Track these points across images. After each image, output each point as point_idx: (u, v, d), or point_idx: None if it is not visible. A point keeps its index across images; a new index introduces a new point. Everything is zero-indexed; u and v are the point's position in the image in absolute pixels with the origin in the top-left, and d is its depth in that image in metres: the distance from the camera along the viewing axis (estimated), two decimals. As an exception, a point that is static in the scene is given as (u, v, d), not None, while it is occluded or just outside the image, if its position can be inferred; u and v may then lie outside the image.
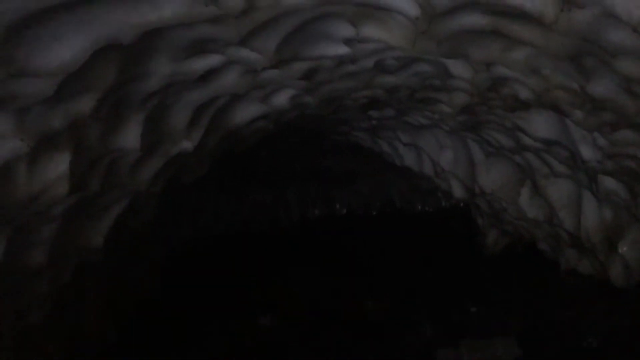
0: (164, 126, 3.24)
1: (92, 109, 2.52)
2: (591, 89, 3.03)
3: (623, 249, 4.79)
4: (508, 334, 4.34)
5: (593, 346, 4.17)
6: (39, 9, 1.97)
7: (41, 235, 2.88)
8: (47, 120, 2.41)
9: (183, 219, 6.99)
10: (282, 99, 3.72)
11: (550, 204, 5.16)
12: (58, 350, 3.53)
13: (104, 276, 4.06)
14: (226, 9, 2.33)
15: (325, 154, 8.00)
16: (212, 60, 2.86)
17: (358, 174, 8.44)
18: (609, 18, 2.23)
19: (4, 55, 2.03)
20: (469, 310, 4.98)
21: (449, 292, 5.41)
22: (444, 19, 2.65)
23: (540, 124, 4.29)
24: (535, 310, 4.86)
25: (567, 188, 4.98)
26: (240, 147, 4.65)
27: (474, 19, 2.66)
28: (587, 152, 4.17)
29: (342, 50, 3.09)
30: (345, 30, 2.89)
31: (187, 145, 3.44)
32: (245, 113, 3.75)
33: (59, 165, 2.62)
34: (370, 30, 2.86)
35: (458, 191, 5.99)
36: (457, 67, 3.48)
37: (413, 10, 2.58)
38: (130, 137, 2.97)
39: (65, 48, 2.17)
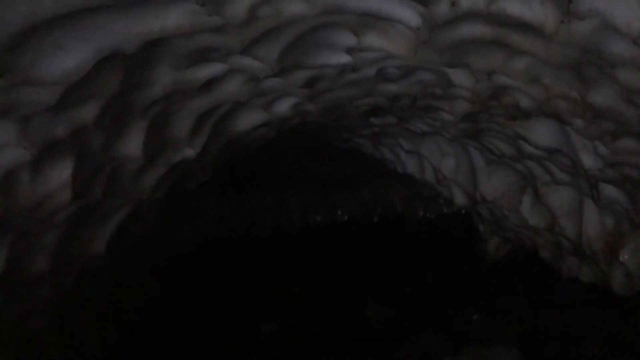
0: (166, 134, 3.25)
1: (95, 117, 2.54)
2: (591, 98, 3.04)
3: (624, 257, 4.78)
4: (509, 342, 4.34)
5: (594, 354, 4.17)
6: (43, 19, 1.99)
7: (44, 242, 2.89)
8: (50, 128, 2.42)
9: (184, 225, 6.99)
10: (284, 106, 3.73)
11: (551, 211, 5.17)
12: (60, 356, 3.53)
13: (106, 282, 4.06)
14: (229, 18, 2.36)
15: (326, 160, 8.01)
16: (214, 68, 2.88)
17: (360, 181, 8.44)
18: (609, 30, 2.24)
19: (7, 64, 2.05)
20: (470, 317, 4.98)
21: (451, 300, 5.41)
22: (445, 29, 2.67)
23: (542, 132, 4.30)
24: (537, 317, 4.86)
25: (568, 196, 4.99)
26: (242, 154, 4.66)
27: (475, 29, 2.68)
28: (588, 160, 4.18)
29: (344, 59, 3.11)
30: (347, 39, 2.92)
31: (190, 152, 3.45)
32: (248, 120, 3.77)
33: (61, 173, 2.63)
34: (372, 40, 2.88)
35: (459, 198, 5.99)
36: (458, 76, 3.50)
37: (414, 20, 2.60)
38: (133, 144, 2.99)
39: (68, 57, 2.19)
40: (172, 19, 2.26)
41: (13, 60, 2.05)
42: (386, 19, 2.65)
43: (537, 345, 4.36)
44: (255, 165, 7.20)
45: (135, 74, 2.59)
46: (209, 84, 3.01)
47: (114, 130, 2.85)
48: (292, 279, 6.23)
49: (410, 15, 2.58)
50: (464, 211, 7.14)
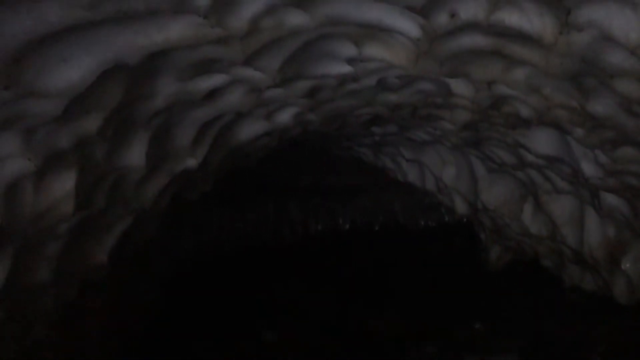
0: (168, 144, 3.28)
1: (98, 128, 2.56)
2: (591, 107, 3.06)
3: (626, 265, 4.78)
4: (511, 351, 4.33)
5: (597, 363, 4.17)
6: (47, 32, 2.02)
7: (46, 253, 2.90)
8: (54, 139, 2.45)
9: (186, 234, 7.00)
10: (285, 116, 3.76)
11: (552, 220, 5.17)
12: (62, 366, 3.53)
13: (108, 292, 4.07)
14: (231, 30, 2.38)
15: (328, 169, 8.02)
16: (216, 79, 2.91)
17: (361, 190, 8.45)
18: (607, 41, 2.27)
19: (12, 77, 2.07)
20: (472, 326, 4.97)
21: (452, 308, 5.39)
22: (445, 40, 2.70)
23: (542, 141, 4.32)
24: (539, 326, 4.85)
25: (569, 204, 4.99)
26: (244, 164, 4.69)
27: (474, 40, 2.71)
28: (588, 169, 4.19)
29: (345, 69, 3.14)
30: (348, 50, 2.94)
31: (192, 162, 3.47)
32: (249, 130, 3.79)
33: (65, 184, 2.65)
34: (373, 50, 2.91)
35: (461, 207, 6.00)
36: (458, 86, 3.52)
37: (414, 32, 2.63)
38: (136, 155, 3.01)
39: (72, 69, 2.22)
40: (174, 31, 2.29)
41: (18, 72, 2.07)
42: (387, 30, 2.68)
43: (538, 354, 4.35)
44: (257, 174, 7.20)
45: (138, 86, 2.62)
46: (211, 94, 3.03)
47: (117, 141, 2.87)
48: (293, 287, 6.22)
49: (410, 27, 2.60)
50: (465, 220, 7.14)
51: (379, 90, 3.65)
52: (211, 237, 7.66)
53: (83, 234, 3.10)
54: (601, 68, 2.51)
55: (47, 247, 2.89)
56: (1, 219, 2.43)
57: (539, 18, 2.32)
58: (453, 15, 2.46)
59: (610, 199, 4.42)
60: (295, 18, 2.47)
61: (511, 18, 2.40)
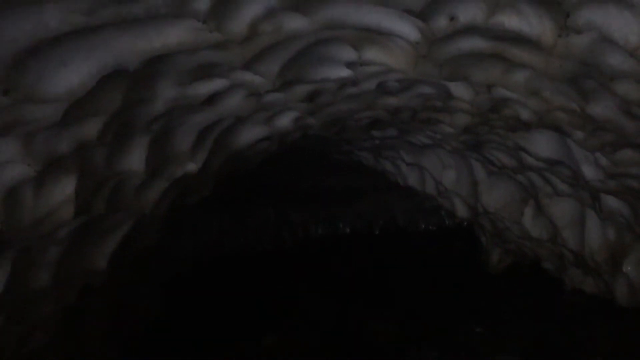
0: (168, 149, 3.28)
1: (98, 133, 2.56)
2: (591, 110, 3.06)
3: (627, 268, 4.78)
4: (512, 354, 4.32)
5: (598, 366, 4.15)
6: (47, 37, 2.02)
7: (46, 258, 2.90)
8: (54, 144, 2.45)
9: (187, 239, 7.00)
10: (285, 120, 3.76)
11: (553, 223, 5.17)
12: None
13: (108, 297, 4.06)
14: (230, 35, 2.38)
15: (328, 173, 8.02)
16: (216, 84, 2.91)
17: (361, 193, 8.45)
18: (606, 43, 2.27)
19: (11, 82, 2.07)
20: (473, 330, 4.96)
21: (453, 312, 5.38)
22: (444, 43, 2.70)
23: (542, 144, 4.32)
24: (540, 329, 4.84)
25: (570, 207, 4.99)
26: (244, 168, 4.68)
27: (473, 43, 2.71)
28: (589, 172, 4.19)
29: (345, 73, 3.14)
30: (348, 53, 2.94)
31: (192, 167, 3.47)
32: (249, 135, 3.79)
33: (64, 189, 2.65)
34: (372, 54, 2.91)
35: (461, 210, 6.00)
36: (458, 89, 3.52)
37: (413, 35, 2.63)
38: (136, 159, 3.01)
39: (72, 74, 2.22)
40: (174, 36, 2.29)
41: (17, 78, 2.08)
42: (386, 34, 2.68)
43: (540, 357, 4.34)
44: (257, 179, 7.21)
45: (137, 90, 2.62)
46: (211, 99, 3.03)
47: (117, 146, 2.87)
48: (294, 290, 6.22)
49: (409, 30, 2.60)
50: (465, 223, 7.14)
51: (379, 94, 3.65)
52: (211, 240, 7.65)
53: (83, 238, 3.10)
54: (600, 70, 2.51)
55: (47, 252, 2.89)
56: (1, 224, 2.43)
57: (538, 21, 2.32)
58: (452, 19, 2.46)
59: (610, 202, 4.42)
60: (294, 22, 2.47)
61: (510, 21, 2.40)
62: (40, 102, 2.19)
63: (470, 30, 2.54)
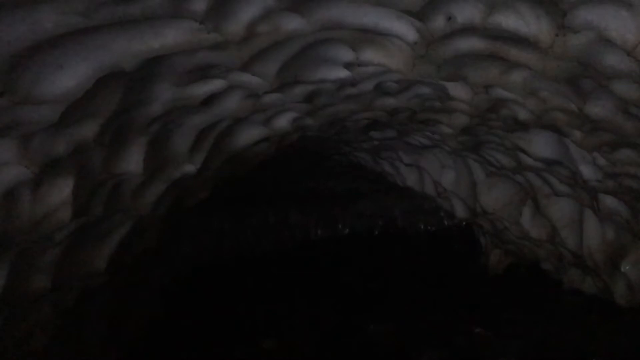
0: (166, 150, 3.27)
1: (95, 134, 2.56)
2: (589, 110, 3.06)
3: (626, 268, 4.78)
4: (512, 355, 4.31)
5: (598, 367, 4.15)
6: (43, 38, 2.01)
7: (44, 260, 2.89)
8: (51, 146, 2.44)
9: (186, 242, 6.99)
10: (283, 121, 3.75)
11: (552, 223, 5.17)
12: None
13: (107, 300, 4.05)
14: (228, 35, 2.38)
15: (327, 174, 8.02)
16: (214, 85, 2.91)
17: (360, 195, 8.45)
18: (604, 43, 2.27)
19: (8, 84, 2.07)
20: (472, 331, 4.95)
21: (453, 313, 5.38)
22: (442, 44, 2.70)
23: (540, 144, 4.32)
24: (539, 330, 4.83)
25: (568, 207, 4.99)
26: (243, 170, 4.67)
27: (471, 43, 2.71)
28: (587, 172, 4.19)
29: (343, 73, 3.14)
30: (346, 54, 2.94)
31: (190, 168, 3.46)
32: (247, 136, 3.79)
33: (62, 191, 2.64)
34: (370, 55, 2.91)
35: (460, 211, 6.00)
36: (456, 89, 3.52)
37: (411, 36, 2.63)
38: (133, 161, 3.00)
39: (69, 76, 2.21)
40: (171, 37, 2.29)
41: (14, 79, 2.07)
42: (384, 34, 2.68)
43: (539, 358, 4.33)
44: (256, 181, 7.21)
45: (135, 91, 2.61)
46: (209, 100, 3.03)
47: (115, 148, 2.86)
48: (293, 293, 6.21)
49: (407, 30, 2.61)
50: (464, 224, 7.14)
51: (377, 94, 3.65)
52: (211, 243, 7.65)
53: (81, 241, 3.09)
54: (598, 70, 2.51)
55: (45, 255, 2.88)
56: (-1, 226, 2.43)
57: (535, 20, 2.32)
58: (449, 19, 2.46)
59: (609, 202, 4.41)
60: (292, 23, 2.47)
61: (507, 21, 2.40)
62: (37, 104, 2.18)
63: (467, 30, 2.54)
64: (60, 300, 3.18)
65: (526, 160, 4.58)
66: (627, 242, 4.71)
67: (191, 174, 3.49)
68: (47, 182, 2.58)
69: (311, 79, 3.17)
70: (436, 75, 3.11)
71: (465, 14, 2.45)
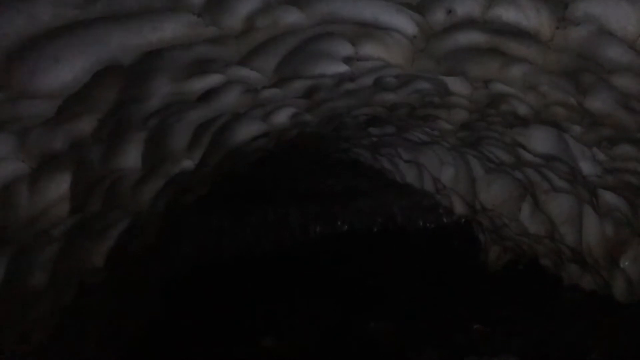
0: (165, 146, 3.25)
1: (93, 129, 2.54)
2: (589, 104, 3.05)
3: (625, 263, 4.77)
4: (511, 352, 4.31)
5: (597, 362, 4.15)
6: (40, 32, 2.00)
7: (42, 256, 2.87)
8: (48, 141, 2.42)
9: (185, 240, 6.98)
10: (282, 117, 3.74)
11: (551, 219, 5.16)
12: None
13: (106, 297, 4.04)
14: (226, 29, 2.37)
15: (326, 171, 8.01)
16: (212, 80, 2.89)
17: (359, 192, 8.43)
18: (605, 35, 2.25)
19: (5, 78, 2.05)
20: (472, 327, 4.95)
21: (452, 310, 5.37)
22: (442, 38, 2.68)
23: (540, 140, 4.30)
24: (538, 326, 4.83)
25: (567, 203, 4.98)
26: (241, 166, 4.66)
27: (471, 37, 2.69)
28: (586, 167, 4.18)
29: (342, 68, 3.12)
30: (345, 49, 2.93)
31: (189, 164, 3.45)
32: (246, 132, 3.77)
33: (60, 186, 2.63)
34: (369, 49, 2.89)
35: (459, 207, 5.99)
36: (455, 84, 3.51)
37: (410, 29, 2.61)
38: (131, 157, 2.99)
39: (66, 70, 2.20)
40: (169, 30, 2.27)
41: (10, 73, 2.05)
42: (383, 28, 2.66)
43: (538, 354, 4.33)
44: (255, 179, 7.20)
45: (133, 86, 2.59)
46: (207, 95, 3.01)
47: (112, 143, 2.84)
48: (292, 291, 6.20)
49: (406, 24, 2.59)
50: (463, 220, 7.13)
51: (376, 90, 3.63)
52: (210, 241, 7.63)
53: (79, 237, 3.07)
54: (599, 63, 2.50)
55: (43, 251, 2.86)
56: (-4, 222, 2.42)
57: (536, 13, 2.31)
58: (449, 12, 2.45)
59: (608, 197, 4.41)
60: (291, 16, 2.46)
61: (508, 14, 2.39)
62: (33, 98, 2.17)
63: (467, 23, 2.53)
64: (59, 296, 3.17)
65: (525, 156, 4.57)
66: (626, 238, 4.71)
67: (190, 169, 3.47)
68: (45, 178, 2.56)
69: (310, 74, 3.16)
70: (435, 70, 3.10)
71: (465, 7, 2.44)
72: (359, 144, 6.16)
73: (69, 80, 2.20)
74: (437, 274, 6.56)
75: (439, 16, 2.50)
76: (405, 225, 8.42)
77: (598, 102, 3.00)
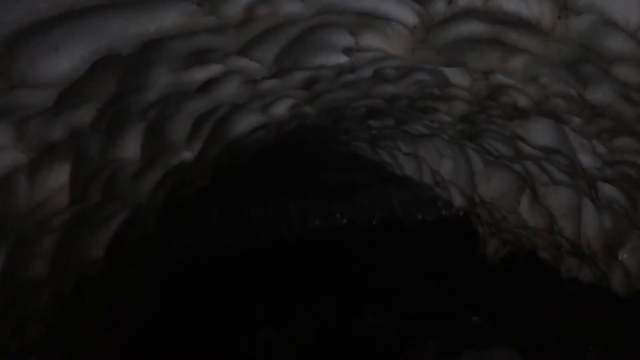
0: (164, 137, 3.24)
1: (92, 119, 2.53)
2: (589, 96, 3.04)
3: (623, 256, 4.77)
4: (510, 344, 4.32)
5: (595, 355, 4.15)
6: (39, 20, 1.99)
7: (42, 247, 2.87)
8: (47, 131, 2.41)
9: (184, 233, 6.98)
10: (282, 108, 3.72)
11: (550, 212, 5.16)
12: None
13: (106, 289, 4.04)
14: (226, 19, 2.35)
15: (326, 165, 8.00)
16: (211, 70, 2.87)
17: (358, 185, 8.43)
18: (607, 25, 2.24)
19: (3, 67, 2.04)
20: (470, 320, 4.96)
21: (451, 304, 5.38)
22: (442, 28, 2.67)
23: (539, 132, 4.29)
24: (537, 319, 4.85)
25: (566, 196, 4.97)
26: (241, 158, 4.65)
27: (472, 27, 2.68)
28: (586, 160, 4.17)
29: (342, 59, 3.11)
30: (344, 39, 2.91)
31: (188, 155, 3.44)
32: (245, 123, 3.76)
33: (59, 176, 2.62)
34: (369, 40, 2.87)
35: (458, 200, 5.98)
36: (456, 76, 3.49)
37: (411, 19, 2.60)
38: (131, 147, 2.97)
39: (64, 59, 2.18)
40: (168, 20, 2.26)
41: (8, 62, 2.04)
42: (383, 18, 2.65)
43: (537, 347, 4.34)
44: (254, 171, 7.19)
45: (131, 76, 2.58)
46: (207, 85, 3.00)
47: (111, 133, 2.83)
48: (291, 284, 6.20)
49: (407, 14, 2.57)
50: (462, 213, 7.14)
51: (376, 81, 3.62)
52: (209, 234, 7.64)
53: (78, 228, 3.07)
54: (600, 53, 2.49)
55: (42, 242, 2.86)
56: (-5, 212, 2.41)
57: (537, 2, 2.30)
58: (450, 2, 2.43)
59: (607, 190, 4.40)
60: (291, 6, 2.44)
61: (509, 3, 2.37)
62: (32, 87, 2.16)
63: (468, 13, 2.52)
64: (59, 287, 3.17)
65: (525, 148, 4.56)
66: (624, 231, 4.71)
67: (189, 160, 3.46)
68: (44, 168, 2.55)
69: (310, 65, 3.14)
70: (436, 61, 3.08)
71: (466, -3, 2.42)
72: (358, 136, 6.15)
73: (68, 70, 2.19)
74: (435, 267, 6.57)
75: (439, 6, 2.48)
76: (404, 218, 8.43)
77: (598, 94, 2.99)
